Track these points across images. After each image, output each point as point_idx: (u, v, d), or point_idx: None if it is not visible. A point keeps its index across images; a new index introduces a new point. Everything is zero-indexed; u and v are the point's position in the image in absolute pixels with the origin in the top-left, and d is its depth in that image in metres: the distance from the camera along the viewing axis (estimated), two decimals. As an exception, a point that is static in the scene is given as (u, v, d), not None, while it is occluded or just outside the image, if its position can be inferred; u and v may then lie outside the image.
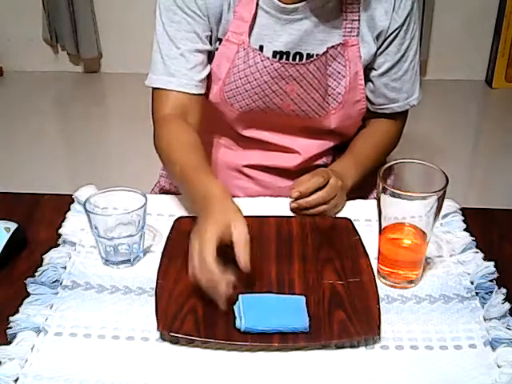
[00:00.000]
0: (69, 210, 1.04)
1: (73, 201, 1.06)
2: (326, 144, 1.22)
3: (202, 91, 1.11)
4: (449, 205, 1.04)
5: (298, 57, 1.10)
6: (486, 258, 0.92)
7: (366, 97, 1.17)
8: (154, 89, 1.11)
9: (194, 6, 1.06)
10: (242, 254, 0.81)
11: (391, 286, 0.89)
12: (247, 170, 1.25)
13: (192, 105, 1.10)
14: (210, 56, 1.12)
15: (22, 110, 3.17)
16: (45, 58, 3.56)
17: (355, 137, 1.23)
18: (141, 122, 2.91)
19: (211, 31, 1.10)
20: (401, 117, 1.24)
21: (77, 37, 3.42)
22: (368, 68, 1.16)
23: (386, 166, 0.87)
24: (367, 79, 1.17)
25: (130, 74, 3.23)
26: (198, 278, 0.80)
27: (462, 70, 3.41)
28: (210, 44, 1.11)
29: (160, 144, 1.07)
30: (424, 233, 0.86)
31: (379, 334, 0.79)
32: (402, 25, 1.10)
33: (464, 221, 1.00)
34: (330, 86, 1.12)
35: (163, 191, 1.31)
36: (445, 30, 3.33)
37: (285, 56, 1.10)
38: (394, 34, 1.11)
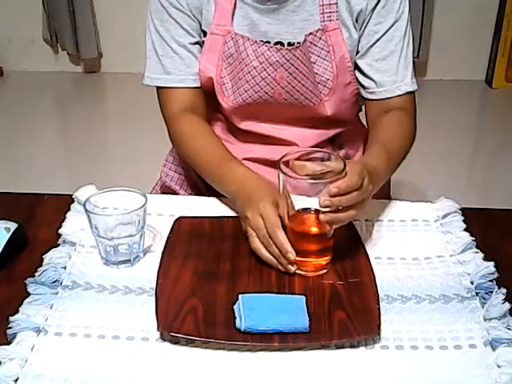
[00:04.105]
0: (69, 210, 1.04)
1: (73, 201, 1.06)
2: (324, 134, 1.21)
3: (199, 83, 1.15)
4: (449, 205, 1.04)
5: (279, 46, 1.10)
6: (485, 258, 0.92)
7: (359, 83, 1.14)
8: (157, 88, 1.17)
9: (176, 3, 1.10)
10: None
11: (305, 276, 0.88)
12: (247, 164, 1.24)
13: (195, 98, 1.16)
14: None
15: (22, 110, 3.17)
16: (45, 58, 3.56)
17: (372, 136, 1.11)
18: (141, 122, 2.94)
19: (199, 23, 1.13)
20: (404, 106, 1.12)
21: (77, 37, 3.42)
22: (356, 53, 1.14)
23: (284, 159, 0.86)
24: (356, 65, 1.14)
25: (130, 73, 3.23)
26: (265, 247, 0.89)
27: (462, 70, 3.41)
28: (200, 36, 1.14)
29: (176, 140, 1.16)
30: None
31: (379, 334, 0.79)
32: (378, 1, 1.07)
33: (464, 221, 1.00)
34: (317, 73, 1.12)
35: (164, 188, 1.31)
36: (445, 30, 3.33)
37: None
38: (372, 12, 1.09)
